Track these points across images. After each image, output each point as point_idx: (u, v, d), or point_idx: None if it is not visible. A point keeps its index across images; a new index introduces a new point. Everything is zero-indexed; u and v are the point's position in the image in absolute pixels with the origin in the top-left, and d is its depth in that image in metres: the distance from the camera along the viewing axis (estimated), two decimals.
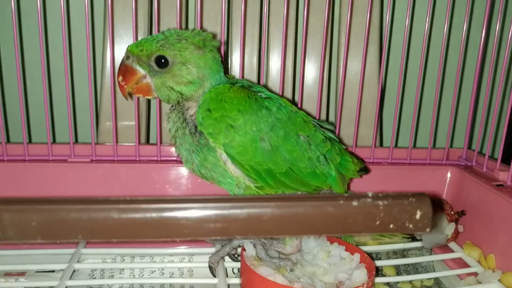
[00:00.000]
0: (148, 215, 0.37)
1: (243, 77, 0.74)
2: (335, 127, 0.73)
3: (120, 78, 0.56)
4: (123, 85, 0.56)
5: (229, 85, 0.57)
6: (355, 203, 0.38)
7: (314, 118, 0.62)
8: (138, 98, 0.71)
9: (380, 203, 0.38)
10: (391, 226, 0.39)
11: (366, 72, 0.78)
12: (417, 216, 0.39)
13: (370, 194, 0.39)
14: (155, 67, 0.55)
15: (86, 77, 0.69)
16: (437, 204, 0.68)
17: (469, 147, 0.81)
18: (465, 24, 0.73)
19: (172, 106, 0.60)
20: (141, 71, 0.55)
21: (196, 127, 0.57)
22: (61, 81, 0.85)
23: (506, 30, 0.77)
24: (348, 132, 0.81)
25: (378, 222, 0.39)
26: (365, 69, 0.76)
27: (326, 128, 0.62)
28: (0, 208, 0.35)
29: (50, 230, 0.36)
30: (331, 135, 0.62)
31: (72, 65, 0.88)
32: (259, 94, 0.57)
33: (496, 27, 0.71)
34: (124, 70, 0.55)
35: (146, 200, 0.37)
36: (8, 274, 0.59)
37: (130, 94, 0.58)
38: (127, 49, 0.56)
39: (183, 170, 0.71)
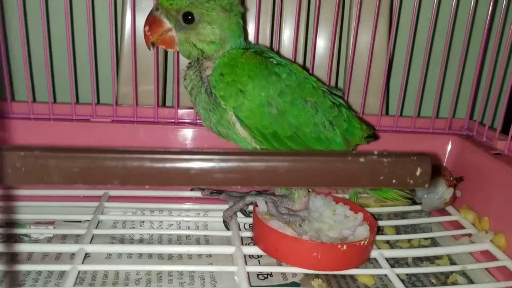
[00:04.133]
0: (177, 164, 0.41)
1: None
2: (343, 93, 0.76)
3: (147, 28, 0.58)
4: (148, 35, 0.58)
5: (242, 50, 0.59)
6: (362, 159, 0.42)
7: (324, 84, 0.65)
8: (157, 61, 0.75)
9: (385, 160, 0.42)
10: (394, 181, 0.43)
11: (375, 43, 0.81)
12: (417, 173, 0.43)
13: (375, 152, 0.43)
14: (182, 22, 0.57)
15: (106, 42, 0.72)
16: (436, 169, 0.72)
17: (471, 118, 0.84)
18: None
19: (190, 63, 0.63)
20: (167, 24, 0.58)
21: None
22: (83, 48, 0.88)
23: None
24: (356, 101, 0.84)
25: (382, 177, 0.43)
26: (375, 40, 0.79)
27: (336, 95, 0.65)
28: (47, 155, 0.39)
29: (90, 175, 0.41)
30: (341, 101, 0.65)
31: (95, 29, 0.91)
32: (271, 60, 0.60)
33: (503, 3, 0.74)
34: (152, 21, 0.58)
35: (176, 152, 0.41)
36: (38, 223, 0.64)
37: (153, 45, 0.61)
38: (158, 1, 0.58)
39: (199, 131, 0.75)
